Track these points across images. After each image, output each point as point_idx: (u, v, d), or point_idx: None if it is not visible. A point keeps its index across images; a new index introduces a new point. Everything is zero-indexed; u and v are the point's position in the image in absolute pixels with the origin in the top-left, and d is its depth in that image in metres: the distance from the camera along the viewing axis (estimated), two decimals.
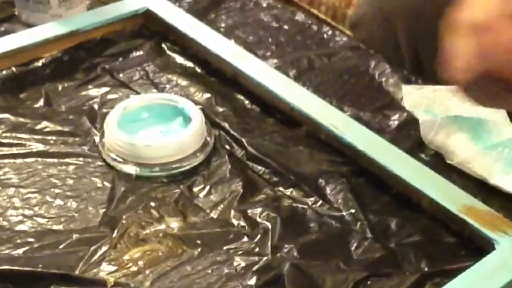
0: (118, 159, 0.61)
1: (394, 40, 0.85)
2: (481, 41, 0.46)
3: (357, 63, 0.76)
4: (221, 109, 0.68)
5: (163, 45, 0.77)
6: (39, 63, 0.73)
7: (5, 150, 0.62)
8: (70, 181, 0.60)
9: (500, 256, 0.53)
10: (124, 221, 0.56)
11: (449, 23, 0.48)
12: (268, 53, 0.77)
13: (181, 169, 0.61)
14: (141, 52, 0.76)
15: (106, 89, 0.71)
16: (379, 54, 0.77)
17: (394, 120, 0.68)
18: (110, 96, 0.70)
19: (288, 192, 0.60)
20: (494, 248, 0.54)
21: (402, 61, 0.83)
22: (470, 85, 0.47)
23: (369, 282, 0.53)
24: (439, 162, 0.63)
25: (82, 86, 0.71)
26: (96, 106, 0.68)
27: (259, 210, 0.58)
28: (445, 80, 0.49)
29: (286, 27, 0.82)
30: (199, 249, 0.54)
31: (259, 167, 0.62)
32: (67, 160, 0.62)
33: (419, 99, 0.65)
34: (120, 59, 0.75)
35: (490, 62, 0.46)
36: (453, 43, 0.47)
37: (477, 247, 0.55)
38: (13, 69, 0.72)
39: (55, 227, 0.56)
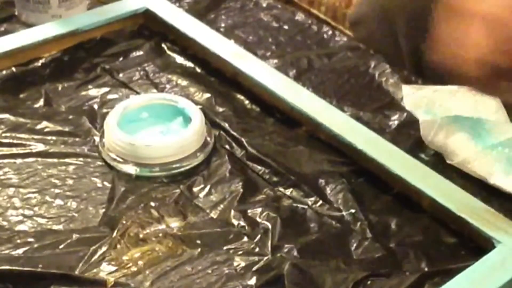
0: (118, 159, 0.61)
1: (394, 38, 0.85)
2: (497, 33, 0.45)
3: (357, 63, 0.76)
4: (221, 109, 0.68)
5: (163, 45, 0.77)
6: (39, 63, 0.73)
7: (5, 150, 0.62)
8: (70, 181, 0.60)
9: (500, 255, 0.53)
10: (124, 221, 0.56)
11: (449, 8, 0.47)
12: (268, 53, 0.77)
13: (181, 169, 0.61)
14: (141, 52, 0.76)
15: (106, 89, 0.71)
16: (379, 54, 0.77)
17: (394, 120, 0.68)
18: (110, 96, 0.70)
19: (288, 192, 0.60)
20: (494, 247, 0.54)
21: (402, 59, 0.83)
22: (480, 77, 0.47)
23: (369, 282, 0.53)
24: (439, 162, 0.63)
25: (82, 86, 0.71)
26: (96, 106, 0.68)
27: (259, 210, 0.58)
28: (447, 67, 0.48)
29: (286, 27, 0.82)
30: (199, 249, 0.54)
31: (259, 167, 0.62)
32: (67, 160, 0.62)
33: (419, 99, 0.65)
34: (120, 59, 0.75)
35: (505, 56, 0.45)
36: (464, 33, 0.47)
37: (477, 246, 0.55)
38: (13, 69, 0.72)
39: (55, 227, 0.56)
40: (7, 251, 0.53)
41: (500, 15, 0.45)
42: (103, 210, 0.57)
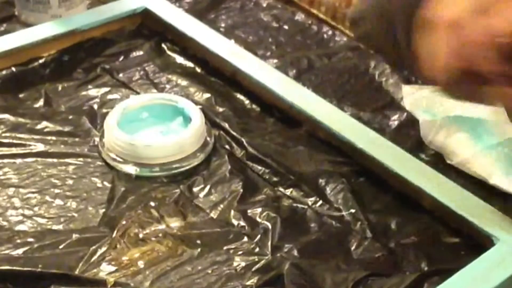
0: (118, 159, 0.61)
1: (393, 37, 0.84)
2: (456, 38, 0.46)
3: (357, 63, 0.76)
4: (221, 109, 0.68)
5: (163, 45, 0.77)
6: (39, 63, 0.73)
7: (5, 150, 0.62)
8: (70, 181, 0.60)
9: (500, 252, 0.53)
10: (124, 221, 0.56)
11: (421, 21, 0.48)
12: (268, 53, 0.77)
13: (181, 169, 0.61)
14: (141, 52, 0.76)
15: (106, 89, 0.71)
16: (378, 52, 0.77)
17: (394, 120, 0.68)
18: (110, 96, 0.70)
19: (288, 192, 0.60)
20: (493, 245, 0.54)
21: (401, 58, 0.83)
22: (450, 84, 0.48)
23: (369, 282, 0.53)
24: (439, 162, 0.63)
25: (82, 86, 0.71)
26: (96, 106, 0.68)
27: (259, 210, 0.58)
28: (424, 78, 0.49)
29: (286, 27, 0.82)
30: (199, 249, 0.54)
31: (259, 167, 0.62)
32: (67, 160, 0.62)
33: (419, 99, 0.65)
34: (120, 59, 0.75)
35: (466, 59, 0.46)
36: (428, 42, 0.48)
37: (476, 244, 0.55)
38: (13, 69, 0.72)
39: (55, 227, 0.56)
40: (7, 251, 0.53)
41: (459, 19, 0.46)
42: (103, 210, 0.57)
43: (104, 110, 0.67)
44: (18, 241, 0.54)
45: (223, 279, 0.52)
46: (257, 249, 0.55)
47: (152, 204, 0.58)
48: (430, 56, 0.48)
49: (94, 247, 0.54)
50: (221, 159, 0.63)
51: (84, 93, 0.70)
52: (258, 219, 0.57)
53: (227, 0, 0.86)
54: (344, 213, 0.58)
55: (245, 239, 0.55)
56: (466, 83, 0.47)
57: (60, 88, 0.70)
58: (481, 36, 0.45)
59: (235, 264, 0.53)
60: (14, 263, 0.52)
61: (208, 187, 0.60)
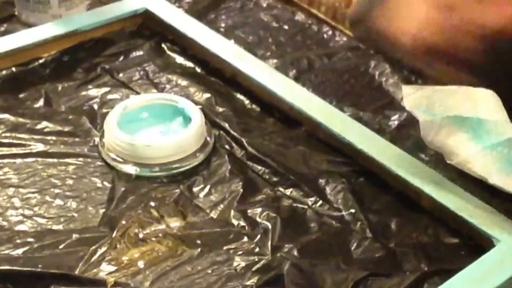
0: (118, 159, 0.61)
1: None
2: (439, 15, 0.45)
3: (357, 63, 0.76)
4: (221, 109, 0.68)
5: (163, 45, 0.77)
6: (39, 63, 0.73)
7: (5, 150, 0.62)
8: (70, 181, 0.60)
9: (500, 254, 0.53)
10: (124, 221, 0.56)
11: None
12: (268, 53, 0.77)
13: (181, 169, 0.61)
14: (141, 52, 0.76)
15: (106, 89, 0.71)
16: (378, 53, 0.77)
17: (394, 120, 0.68)
18: (110, 96, 0.70)
19: (288, 192, 0.60)
20: (493, 246, 0.54)
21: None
22: (414, 51, 0.47)
23: (369, 282, 0.53)
24: (439, 162, 0.63)
25: (82, 86, 0.71)
26: (96, 106, 0.68)
27: (259, 210, 0.58)
28: (389, 37, 0.48)
29: (286, 27, 0.82)
30: (199, 249, 0.54)
31: (259, 167, 0.62)
32: (67, 160, 0.62)
33: (419, 99, 0.65)
34: (120, 59, 0.75)
35: (446, 40, 0.45)
36: (407, 5, 0.47)
37: (476, 245, 0.55)
38: (13, 69, 0.72)
39: (55, 227, 0.56)
40: (7, 251, 0.53)
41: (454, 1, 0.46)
42: (103, 210, 0.57)
43: (104, 110, 0.67)
44: (18, 241, 0.54)
45: (223, 279, 0.52)
46: (257, 249, 0.55)
47: (152, 204, 0.58)
48: (402, 17, 0.47)
49: (94, 247, 0.54)
50: (221, 159, 0.63)
51: (84, 93, 0.70)
52: (258, 219, 0.57)
53: (227, 0, 0.86)
54: (344, 213, 0.58)
55: (245, 239, 0.55)
56: (429, 57, 0.46)
57: (60, 88, 0.70)
58: (470, 24, 0.44)
59: (235, 264, 0.53)
60: (14, 263, 0.52)
61: (208, 187, 0.60)
